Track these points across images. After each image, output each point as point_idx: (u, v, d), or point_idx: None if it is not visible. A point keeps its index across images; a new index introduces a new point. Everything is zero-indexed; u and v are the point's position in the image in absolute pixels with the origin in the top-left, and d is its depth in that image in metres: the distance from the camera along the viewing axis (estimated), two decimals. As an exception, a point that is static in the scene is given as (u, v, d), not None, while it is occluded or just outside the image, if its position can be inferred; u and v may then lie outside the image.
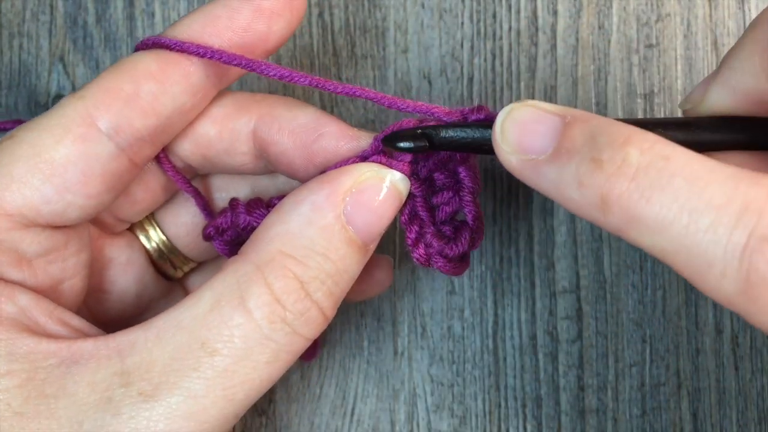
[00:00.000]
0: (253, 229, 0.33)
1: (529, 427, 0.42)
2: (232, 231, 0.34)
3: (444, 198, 0.33)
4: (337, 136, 0.32)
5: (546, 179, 0.26)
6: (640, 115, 0.42)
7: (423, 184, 0.33)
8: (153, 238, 0.37)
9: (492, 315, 0.42)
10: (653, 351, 0.41)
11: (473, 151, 0.31)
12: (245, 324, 0.28)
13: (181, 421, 0.27)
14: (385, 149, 0.31)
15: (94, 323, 0.33)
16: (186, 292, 0.39)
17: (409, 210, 0.33)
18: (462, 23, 0.42)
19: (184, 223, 0.37)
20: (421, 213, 0.33)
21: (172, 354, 0.27)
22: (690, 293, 0.41)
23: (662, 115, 0.42)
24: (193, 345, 0.27)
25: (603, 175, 0.24)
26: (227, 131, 0.33)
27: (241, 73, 0.33)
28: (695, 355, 0.41)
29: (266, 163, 0.34)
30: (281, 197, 0.33)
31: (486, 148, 0.30)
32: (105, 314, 0.35)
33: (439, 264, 0.32)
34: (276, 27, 0.31)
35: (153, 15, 0.43)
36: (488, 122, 0.30)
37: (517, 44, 0.42)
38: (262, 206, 0.34)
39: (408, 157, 0.31)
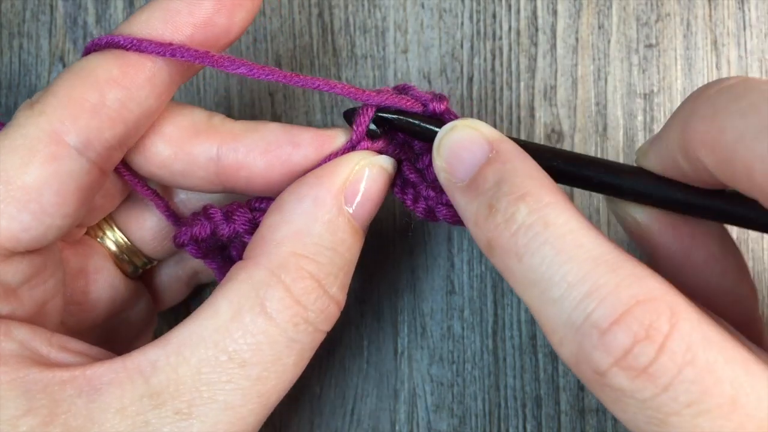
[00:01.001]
0: (239, 235, 0.33)
1: (529, 427, 0.42)
2: (210, 239, 0.33)
3: (426, 161, 0.34)
4: (314, 142, 0.32)
5: (457, 204, 0.30)
6: (639, 116, 0.42)
7: (404, 150, 0.34)
8: (110, 238, 0.36)
9: (492, 315, 0.42)
10: (653, 351, 0.41)
11: (423, 140, 0.33)
12: (270, 330, 0.28)
13: None
14: (366, 136, 0.32)
15: (69, 335, 0.32)
16: (154, 288, 0.39)
17: (399, 180, 0.34)
18: (462, 23, 0.42)
19: (145, 224, 0.36)
20: (410, 176, 0.34)
21: (199, 368, 0.27)
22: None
23: (662, 116, 0.42)
24: (220, 357, 0.27)
25: (492, 222, 0.27)
26: (183, 155, 0.31)
27: (199, 68, 0.32)
28: (695, 355, 0.41)
29: (225, 186, 0.33)
30: (263, 199, 0.33)
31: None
32: (79, 324, 0.34)
33: (443, 212, 0.33)
34: (237, 18, 0.30)
35: (153, 15, 0.43)
36: (439, 120, 0.32)
37: (516, 44, 0.42)
38: (246, 211, 0.33)
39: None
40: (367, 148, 0.32)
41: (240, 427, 0.27)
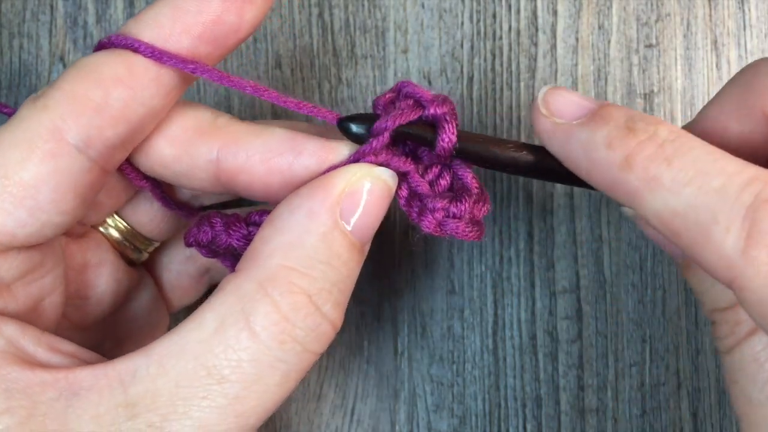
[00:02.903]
0: (233, 248, 0.32)
1: (529, 427, 0.42)
2: (212, 244, 0.33)
3: (435, 172, 0.33)
4: (317, 153, 0.31)
5: (575, 140, 0.29)
6: (640, 115, 0.42)
7: (411, 162, 0.32)
8: (111, 224, 0.35)
9: (492, 315, 0.42)
10: (653, 351, 0.41)
11: (424, 145, 0.32)
12: (252, 347, 0.26)
13: None
14: (373, 148, 0.31)
15: (74, 330, 0.31)
16: (155, 278, 0.38)
17: (406, 191, 0.32)
18: (462, 23, 0.42)
19: (142, 206, 0.36)
20: (418, 188, 0.32)
21: (177, 382, 0.26)
22: (690, 293, 0.41)
23: (662, 116, 0.42)
24: (199, 372, 0.26)
25: (634, 139, 0.27)
26: (186, 156, 0.31)
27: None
28: (695, 355, 0.41)
29: (226, 188, 0.32)
30: (261, 212, 0.32)
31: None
32: (84, 319, 0.34)
33: (452, 226, 0.31)
34: (248, 16, 0.30)
35: (153, 15, 0.43)
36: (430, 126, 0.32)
37: (517, 44, 0.42)
38: (242, 226, 0.32)
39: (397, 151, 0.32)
40: (372, 161, 0.31)
41: None
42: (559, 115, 0.30)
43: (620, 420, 0.41)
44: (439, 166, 0.33)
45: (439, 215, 0.31)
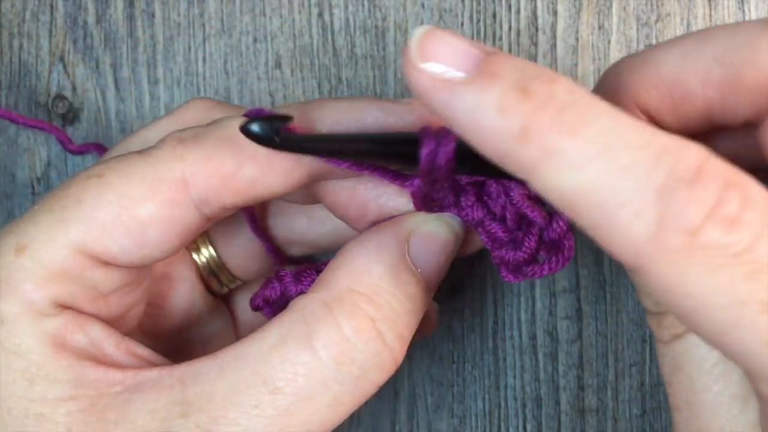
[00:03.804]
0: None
1: (529, 427, 0.42)
2: (281, 300, 0.33)
3: (501, 206, 0.31)
4: (395, 195, 0.31)
5: (461, 100, 0.24)
6: (640, 115, 0.42)
7: (479, 205, 0.31)
8: (204, 254, 0.37)
9: (492, 315, 0.42)
10: (653, 351, 0.41)
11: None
12: (310, 363, 0.27)
13: None
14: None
15: (144, 336, 0.33)
16: (230, 309, 0.39)
17: (486, 238, 0.31)
18: (462, 23, 0.42)
19: (236, 242, 0.37)
20: (495, 234, 0.31)
21: (233, 387, 0.27)
22: (690, 293, 0.41)
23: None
24: (255, 380, 0.27)
25: (530, 104, 0.23)
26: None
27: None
28: (695, 355, 0.41)
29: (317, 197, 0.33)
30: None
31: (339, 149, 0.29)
32: (155, 328, 0.35)
33: (531, 273, 0.30)
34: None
35: (153, 15, 0.43)
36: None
37: (517, 44, 0.42)
38: (312, 273, 0.32)
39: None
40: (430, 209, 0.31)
41: None
42: (439, 68, 0.24)
43: (620, 420, 0.41)
44: (502, 198, 0.31)
45: (527, 274, 0.31)
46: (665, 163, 0.22)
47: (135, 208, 0.28)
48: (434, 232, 0.30)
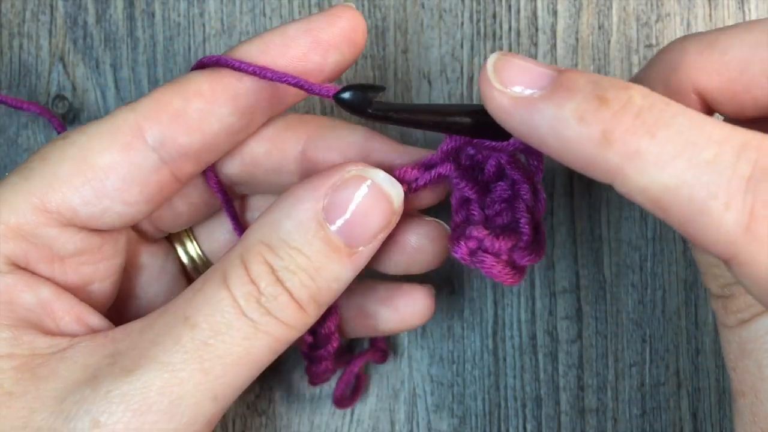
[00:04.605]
0: None
1: (529, 427, 0.42)
2: None
3: (498, 194, 0.32)
4: (386, 153, 0.33)
5: (541, 116, 0.26)
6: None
7: (477, 189, 0.32)
8: (189, 250, 0.37)
9: (492, 315, 0.42)
10: (653, 351, 0.41)
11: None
12: (225, 298, 0.28)
13: (156, 396, 0.27)
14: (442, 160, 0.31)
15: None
16: None
17: (460, 218, 0.32)
18: (462, 23, 0.42)
19: (220, 239, 0.38)
20: (472, 216, 0.32)
21: (158, 333, 0.28)
22: (690, 293, 0.41)
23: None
24: (177, 320, 0.28)
25: (608, 111, 0.24)
26: (276, 150, 0.33)
27: (294, 100, 0.33)
28: (695, 355, 0.41)
29: None
30: None
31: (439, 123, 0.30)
32: (131, 318, 0.35)
33: (482, 259, 0.30)
34: (332, 59, 0.32)
35: (153, 15, 0.43)
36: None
37: (517, 44, 0.42)
38: None
39: (444, 168, 0.31)
40: (439, 175, 0.31)
41: (176, 388, 0.27)
42: (516, 86, 0.26)
43: (620, 420, 0.41)
44: (506, 194, 0.32)
45: (472, 244, 0.31)
46: (748, 155, 0.23)
47: (94, 158, 0.30)
48: (353, 187, 0.30)
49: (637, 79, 0.31)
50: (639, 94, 0.25)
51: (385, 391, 0.42)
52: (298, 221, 0.29)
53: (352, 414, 0.42)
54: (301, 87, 0.31)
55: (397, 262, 0.34)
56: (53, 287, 0.31)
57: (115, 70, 0.43)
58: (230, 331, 0.28)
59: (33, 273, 0.30)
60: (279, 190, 0.35)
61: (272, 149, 0.33)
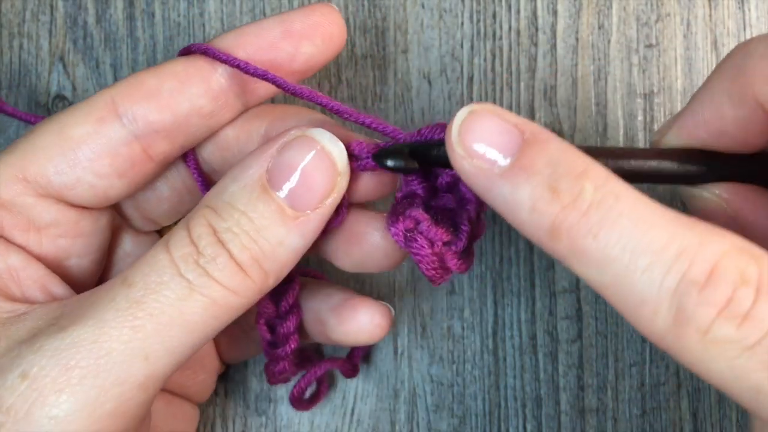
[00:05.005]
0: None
1: (529, 427, 0.42)
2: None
3: (444, 202, 0.32)
4: (345, 135, 0.33)
5: (498, 192, 0.27)
6: (639, 116, 0.42)
7: (426, 178, 0.32)
8: None
9: (492, 315, 0.42)
10: (653, 351, 0.41)
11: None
12: (163, 259, 0.29)
13: (85, 351, 0.27)
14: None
15: None
16: None
17: (401, 193, 0.32)
18: (462, 23, 0.42)
19: None
20: (413, 197, 0.32)
21: (98, 293, 0.29)
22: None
23: (662, 116, 0.42)
24: (116, 282, 0.29)
25: (558, 204, 0.25)
26: (243, 133, 0.34)
27: (269, 93, 0.34)
28: (695, 355, 0.41)
29: None
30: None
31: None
32: None
33: (416, 246, 0.31)
34: (304, 50, 0.33)
35: (153, 15, 0.43)
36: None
37: (517, 44, 0.42)
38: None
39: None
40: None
41: (104, 344, 0.27)
42: (477, 156, 0.27)
43: (620, 420, 0.41)
44: (448, 211, 0.32)
45: (409, 223, 0.31)
46: (679, 266, 0.24)
47: (70, 130, 0.31)
48: (296, 150, 0.30)
49: (704, 88, 0.30)
50: (592, 186, 0.25)
51: (385, 391, 0.42)
52: (242, 185, 0.30)
53: (352, 414, 0.42)
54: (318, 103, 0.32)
55: (353, 257, 0.34)
56: (24, 255, 0.31)
57: (115, 70, 0.43)
58: (164, 290, 0.28)
59: (6, 240, 0.31)
60: None
61: (240, 133, 0.34)
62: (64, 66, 0.43)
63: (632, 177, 0.30)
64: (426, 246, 0.31)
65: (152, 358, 0.28)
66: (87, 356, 0.27)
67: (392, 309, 0.37)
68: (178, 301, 0.28)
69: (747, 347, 0.23)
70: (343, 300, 0.36)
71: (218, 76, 0.33)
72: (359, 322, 0.36)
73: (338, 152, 0.31)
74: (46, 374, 0.27)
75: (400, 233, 0.31)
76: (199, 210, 0.30)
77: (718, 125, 0.30)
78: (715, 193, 0.32)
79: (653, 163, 0.31)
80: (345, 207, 0.32)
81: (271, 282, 0.30)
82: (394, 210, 0.32)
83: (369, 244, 0.34)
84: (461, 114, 0.27)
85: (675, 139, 0.32)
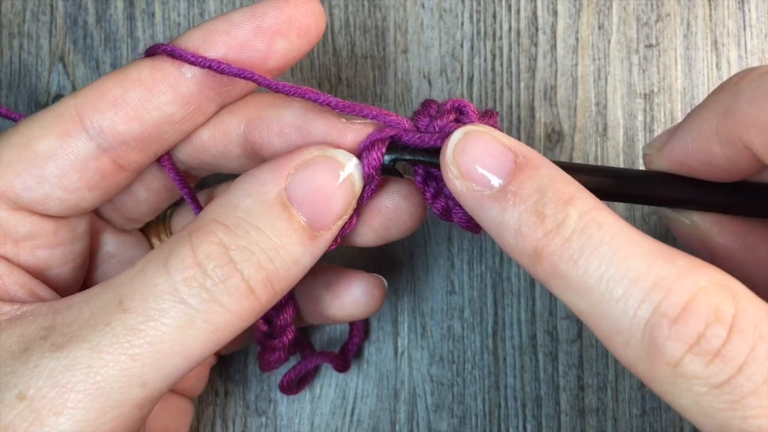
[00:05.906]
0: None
1: (529, 427, 0.42)
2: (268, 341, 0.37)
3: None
4: (326, 133, 0.31)
5: (487, 214, 0.28)
6: (639, 116, 0.42)
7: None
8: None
9: (492, 315, 0.42)
10: (653, 351, 0.41)
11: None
12: (163, 284, 0.27)
13: (81, 375, 0.26)
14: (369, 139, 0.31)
15: None
16: None
17: (422, 171, 0.32)
18: (462, 23, 0.42)
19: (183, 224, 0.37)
20: (435, 171, 0.32)
21: (93, 311, 0.27)
22: (690, 293, 0.41)
23: (662, 116, 0.42)
24: (113, 302, 0.27)
25: (542, 229, 0.26)
26: (219, 134, 0.32)
27: (245, 92, 0.32)
28: (695, 355, 0.41)
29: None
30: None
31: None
32: None
33: (460, 215, 0.31)
34: (278, 47, 0.31)
35: (153, 15, 0.43)
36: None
37: (517, 44, 0.42)
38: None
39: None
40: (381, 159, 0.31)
41: (101, 370, 0.27)
42: (469, 178, 0.28)
43: (620, 420, 0.41)
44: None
45: (451, 203, 0.31)
46: (653, 297, 0.24)
47: (35, 144, 0.30)
48: (318, 168, 0.30)
49: (695, 118, 0.30)
50: (577, 213, 0.26)
51: (385, 391, 0.42)
52: (260, 200, 0.29)
53: (352, 414, 0.42)
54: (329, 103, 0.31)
55: (376, 229, 0.33)
56: (4, 261, 0.31)
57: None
58: (163, 318, 0.27)
59: None
60: (235, 171, 0.34)
61: (215, 134, 0.32)
62: (64, 66, 0.43)
63: (617, 197, 0.31)
64: (462, 212, 0.31)
65: (149, 384, 0.27)
66: (84, 380, 0.26)
67: (385, 281, 0.37)
68: (178, 330, 0.27)
69: (715, 385, 0.24)
70: (337, 275, 0.36)
71: (187, 80, 0.30)
72: (354, 294, 0.36)
73: (358, 175, 0.30)
74: (43, 396, 0.26)
75: (441, 209, 0.32)
76: (207, 225, 0.28)
77: (705, 158, 0.30)
78: (694, 220, 0.33)
79: (639, 186, 0.31)
80: (356, 216, 0.32)
81: (276, 300, 0.29)
82: (429, 191, 0.32)
83: (390, 209, 0.33)
84: (457, 134, 0.28)
85: (664, 163, 0.32)
